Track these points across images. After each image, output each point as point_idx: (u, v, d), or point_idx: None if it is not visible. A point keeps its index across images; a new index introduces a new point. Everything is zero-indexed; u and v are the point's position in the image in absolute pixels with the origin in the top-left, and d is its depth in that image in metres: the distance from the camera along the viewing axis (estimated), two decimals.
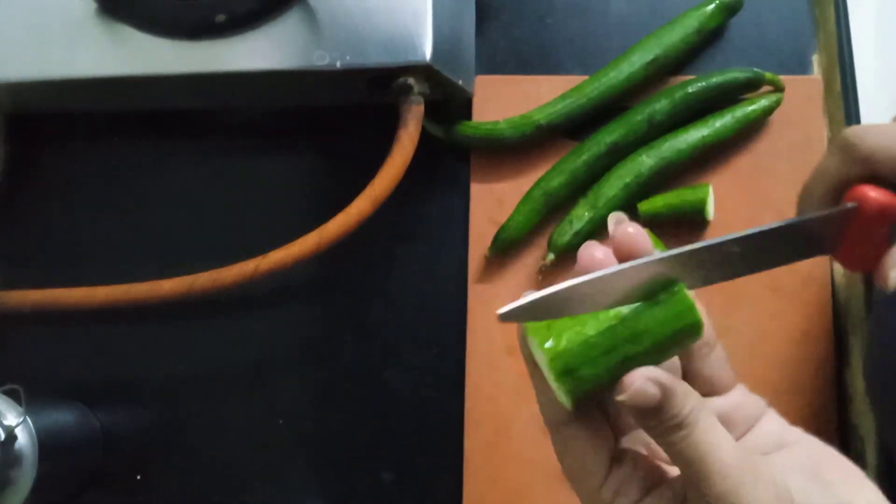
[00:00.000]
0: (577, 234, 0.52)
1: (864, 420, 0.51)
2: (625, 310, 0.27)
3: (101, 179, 0.58)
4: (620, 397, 0.26)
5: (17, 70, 0.50)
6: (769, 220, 0.52)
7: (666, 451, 0.27)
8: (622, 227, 0.28)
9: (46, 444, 0.47)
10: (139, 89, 0.52)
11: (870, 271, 0.31)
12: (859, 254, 0.31)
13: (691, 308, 0.28)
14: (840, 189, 0.31)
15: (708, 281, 0.29)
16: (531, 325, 0.28)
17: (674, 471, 0.30)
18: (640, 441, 0.31)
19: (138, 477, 0.54)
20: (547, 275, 0.53)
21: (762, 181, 0.54)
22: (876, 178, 0.30)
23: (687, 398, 0.27)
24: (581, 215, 0.52)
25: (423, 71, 0.48)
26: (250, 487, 0.54)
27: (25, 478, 0.46)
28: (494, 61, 0.58)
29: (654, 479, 0.29)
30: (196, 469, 0.54)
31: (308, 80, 0.49)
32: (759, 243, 0.29)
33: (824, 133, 0.55)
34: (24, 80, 0.50)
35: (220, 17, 0.48)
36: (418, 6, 0.48)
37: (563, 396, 0.28)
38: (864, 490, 0.29)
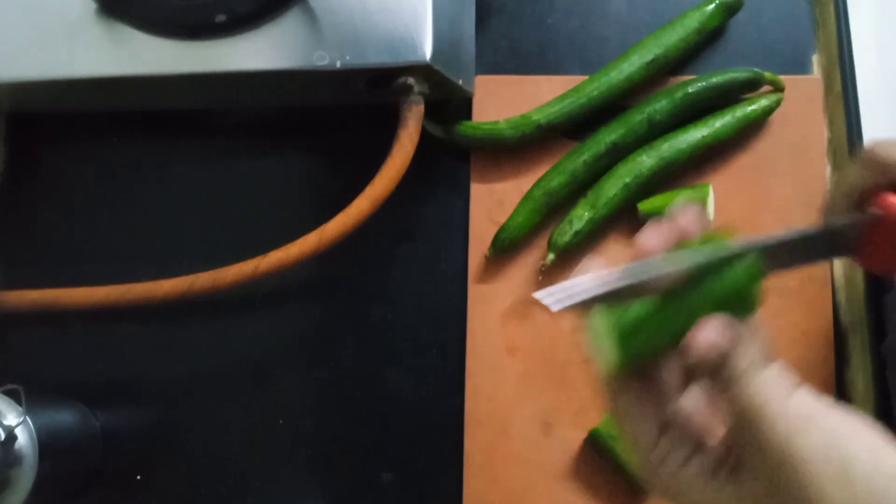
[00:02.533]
0: (577, 234, 0.52)
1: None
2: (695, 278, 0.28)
3: (101, 179, 0.58)
4: (691, 352, 0.28)
5: (17, 70, 0.50)
6: (769, 220, 0.52)
7: (725, 399, 0.29)
8: (681, 214, 0.30)
9: (46, 444, 0.47)
10: (139, 89, 0.52)
11: (891, 273, 0.33)
12: (882, 257, 0.33)
13: (758, 282, 0.29)
14: (862, 197, 0.33)
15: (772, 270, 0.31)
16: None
17: (719, 430, 0.31)
18: (684, 407, 0.33)
19: (138, 477, 0.54)
20: (547, 275, 0.53)
21: (762, 181, 0.54)
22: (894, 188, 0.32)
23: (746, 349, 0.28)
24: (581, 215, 0.52)
25: (423, 71, 0.48)
26: (250, 487, 0.53)
27: (25, 478, 0.46)
28: (494, 61, 0.58)
29: (696, 445, 0.31)
30: (196, 469, 0.54)
31: (308, 80, 0.49)
32: (789, 246, 0.31)
33: (824, 133, 0.55)
34: (24, 80, 0.50)
35: (220, 17, 0.48)
36: (418, 6, 0.48)
37: (617, 357, 0.29)
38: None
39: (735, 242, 0.29)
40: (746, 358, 0.28)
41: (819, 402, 0.29)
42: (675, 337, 0.28)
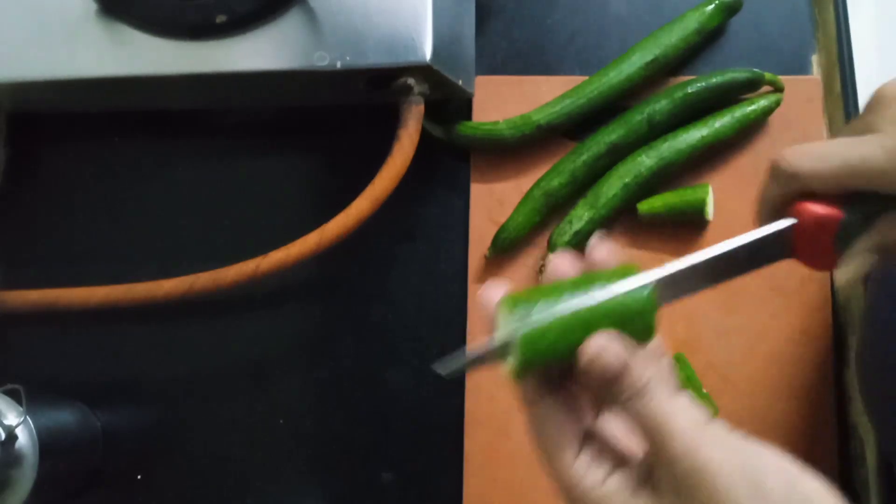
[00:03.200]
0: (576, 233, 0.52)
1: (864, 420, 0.51)
2: (595, 299, 0.30)
3: (101, 179, 0.58)
4: (584, 359, 0.29)
5: (17, 70, 0.50)
6: None
7: (630, 415, 0.29)
8: (597, 250, 0.31)
9: (47, 443, 0.47)
10: (139, 89, 0.52)
11: (829, 269, 0.35)
12: (815, 258, 0.34)
13: (652, 311, 0.30)
14: (784, 204, 0.34)
15: (675, 298, 0.32)
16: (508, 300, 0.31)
17: (638, 452, 0.31)
18: (604, 426, 0.33)
19: (139, 477, 0.54)
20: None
21: (762, 181, 0.54)
22: (815, 194, 0.33)
23: (646, 366, 0.29)
24: (581, 215, 0.52)
25: (423, 71, 0.48)
26: (250, 487, 0.54)
27: (26, 477, 0.46)
28: (494, 61, 0.58)
29: (621, 458, 0.31)
30: (196, 469, 0.54)
31: (308, 80, 0.49)
32: (718, 263, 0.33)
33: (824, 133, 0.55)
34: (24, 80, 0.50)
35: (220, 18, 0.48)
36: (418, 6, 0.48)
37: (517, 362, 0.30)
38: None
39: (638, 275, 0.30)
40: (645, 374, 0.28)
41: (726, 428, 0.29)
42: (573, 348, 0.29)
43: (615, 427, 0.32)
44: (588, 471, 0.30)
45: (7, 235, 0.57)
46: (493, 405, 0.53)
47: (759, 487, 0.26)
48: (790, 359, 0.52)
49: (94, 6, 0.49)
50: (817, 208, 0.33)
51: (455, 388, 0.53)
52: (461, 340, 0.54)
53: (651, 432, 0.28)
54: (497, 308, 0.32)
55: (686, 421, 0.28)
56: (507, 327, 0.30)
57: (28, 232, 0.57)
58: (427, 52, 0.47)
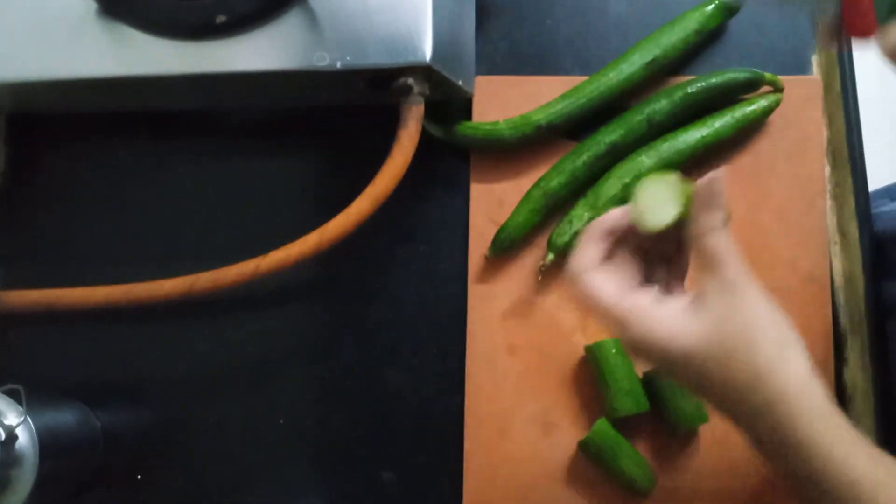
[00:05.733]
0: (576, 233, 0.52)
1: (864, 420, 0.51)
2: None
3: (101, 179, 0.58)
4: (705, 180, 0.37)
5: (18, 70, 0.50)
6: (769, 220, 0.53)
7: (702, 246, 0.37)
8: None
9: (47, 443, 0.47)
10: (140, 89, 0.52)
11: (867, 36, 0.39)
12: (857, 20, 0.38)
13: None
14: None
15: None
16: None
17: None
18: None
19: (139, 477, 0.54)
20: (546, 275, 0.53)
21: (762, 181, 0.54)
22: None
23: (724, 209, 0.37)
24: (581, 215, 0.52)
25: (423, 71, 0.48)
26: (250, 487, 0.54)
27: (26, 478, 0.46)
28: (494, 61, 0.58)
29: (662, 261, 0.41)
30: (196, 469, 0.54)
31: (308, 80, 0.49)
32: None
33: (823, 133, 0.55)
34: (24, 80, 0.50)
35: (221, 18, 0.48)
36: (418, 6, 0.48)
37: (681, 201, 0.38)
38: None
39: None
40: (725, 214, 0.37)
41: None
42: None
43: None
44: (645, 294, 0.38)
45: (7, 235, 0.57)
46: (493, 405, 0.53)
47: (778, 323, 0.37)
48: None
49: (94, 6, 0.49)
50: None
51: (455, 387, 0.53)
52: (461, 340, 0.54)
53: (716, 260, 0.36)
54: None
55: (739, 262, 0.36)
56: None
57: (28, 232, 0.57)
58: (427, 52, 0.47)
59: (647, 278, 0.41)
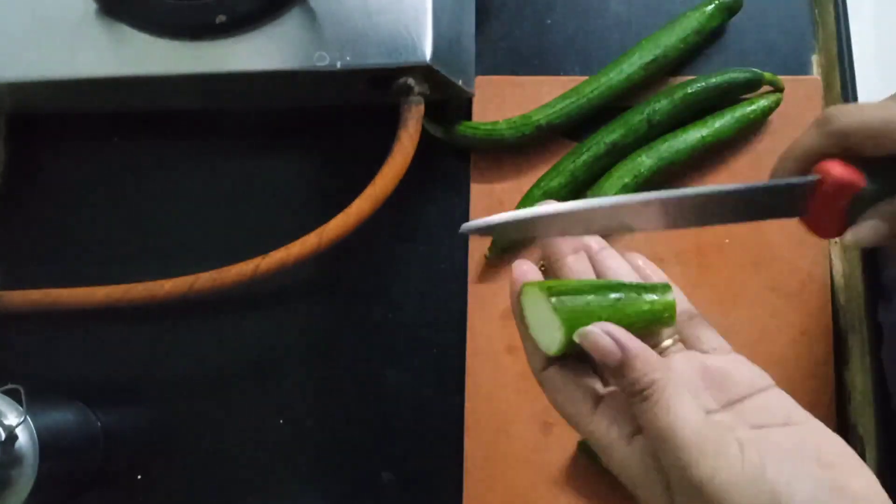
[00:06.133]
0: None
1: (864, 419, 0.51)
2: (619, 295, 0.32)
3: (101, 179, 0.58)
4: (576, 338, 0.30)
5: (18, 70, 0.50)
6: (769, 220, 0.52)
7: (637, 417, 0.29)
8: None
9: (47, 443, 0.47)
10: (139, 89, 0.52)
11: (829, 237, 0.34)
12: (823, 222, 0.34)
13: (671, 307, 0.32)
14: (811, 160, 0.34)
15: (671, 226, 0.32)
16: (530, 289, 0.32)
17: None
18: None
19: (139, 477, 0.54)
20: (546, 275, 0.53)
21: (762, 181, 0.54)
22: (848, 155, 0.33)
23: (652, 368, 0.29)
24: None
25: (423, 71, 0.48)
26: (250, 487, 0.54)
27: (26, 478, 0.46)
28: (494, 61, 0.58)
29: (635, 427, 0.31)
30: (197, 469, 0.54)
31: (308, 80, 0.49)
32: (726, 200, 0.32)
33: None
34: (24, 80, 0.50)
35: (221, 18, 0.48)
36: (418, 6, 0.48)
37: (556, 341, 0.31)
38: (862, 476, 0.29)
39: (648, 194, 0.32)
40: (650, 375, 0.28)
41: (729, 430, 0.29)
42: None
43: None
44: (611, 424, 0.31)
45: (7, 235, 0.57)
46: (493, 405, 0.53)
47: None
48: (790, 359, 0.52)
49: (94, 6, 0.49)
50: (843, 170, 0.32)
51: (455, 387, 0.53)
52: (461, 340, 0.54)
53: (654, 437, 0.28)
54: (522, 288, 0.33)
55: (690, 432, 0.28)
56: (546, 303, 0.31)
57: (28, 232, 0.57)
58: (427, 52, 0.47)
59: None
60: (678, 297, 0.34)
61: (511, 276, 0.34)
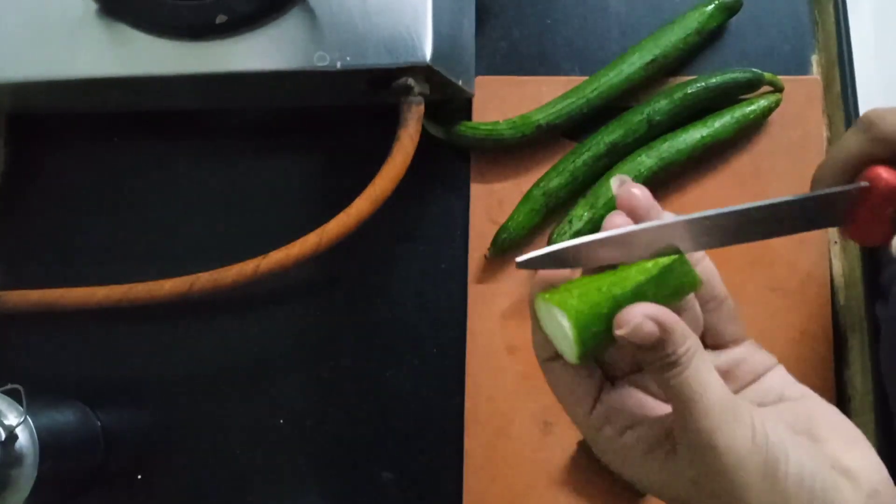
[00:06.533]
0: (576, 234, 0.52)
1: (864, 419, 0.51)
2: (631, 275, 0.30)
3: (101, 179, 0.58)
4: (619, 332, 0.28)
5: (17, 70, 0.50)
6: None
7: (659, 385, 0.29)
8: (625, 187, 0.31)
9: (47, 443, 0.47)
10: (139, 89, 0.52)
11: (877, 245, 0.33)
12: (868, 230, 0.32)
13: (691, 272, 0.30)
14: (856, 167, 0.33)
15: (721, 244, 0.31)
16: (544, 302, 0.31)
17: (660, 409, 0.32)
18: (633, 384, 0.33)
19: (139, 477, 0.54)
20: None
21: (762, 181, 0.54)
22: (893, 160, 0.32)
23: (685, 338, 0.28)
24: (580, 215, 0.52)
25: (423, 71, 0.48)
26: (250, 487, 0.54)
27: (26, 478, 0.46)
28: (494, 61, 0.58)
29: (641, 413, 0.32)
30: (196, 469, 0.54)
31: (308, 80, 0.49)
32: (772, 213, 0.31)
33: (823, 133, 0.55)
34: (24, 80, 0.50)
35: (221, 18, 0.48)
36: (418, 6, 0.48)
37: (575, 349, 0.29)
38: (856, 450, 0.30)
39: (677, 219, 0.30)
40: (683, 345, 0.28)
41: (753, 409, 0.29)
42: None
43: (629, 394, 0.32)
44: (608, 420, 0.31)
45: (7, 235, 0.57)
46: (493, 405, 0.53)
47: (775, 481, 0.27)
48: (790, 359, 0.51)
49: (94, 6, 0.49)
50: (893, 177, 0.31)
51: (455, 387, 0.53)
52: (461, 340, 0.54)
53: (680, 404, 0.28)
54: (535, 298, 0.32)
55: (716, 399, 0.28)
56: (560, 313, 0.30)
57: (28, 232, 0.57)
58: (427, 52, 0.47)
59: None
60: (713, 278, 0.32)
61: (532, 280, 0.33)
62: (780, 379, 0.33)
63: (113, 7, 0.49)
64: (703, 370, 0.28)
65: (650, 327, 0.28)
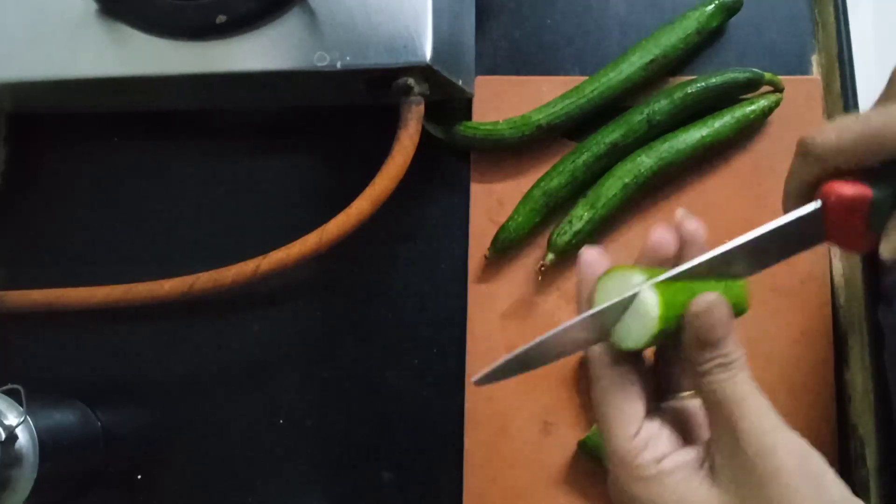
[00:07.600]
0: (576, 234, 0.52)
1: (864, 419, 0.51)
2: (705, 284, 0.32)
3: (101, 179, 0.58)
4: (696, 308, 0.29)
5: (18, 70, 0.50)
6: (768, 221, 0.52)
7: (706, 390, 0.30)
8: (687, 221, 0.33)
9: (47, 443, 0.47)
10: (139, 89, 0.52)
11: (865, 253, 0.34)
12: (848, 241, 0.33)
13: (746, 296, 0.33)
14: (811, 189, 0.33)
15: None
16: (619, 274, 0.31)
17: (702, 435, 0.32)
18: (675, 408, 0.34)
19: (139, 477, 0.54)
20: (546, 275, 0.53)
21: (762, 181, 0.54)
22: (843, 172, 0.32)
23: (738, 346, 0.30)
24: (580, 215, 0.52)
25: (422, 71, 0.48)
26: (250, 487, 0.54)
27: (26, 478, 0.46)
28: (494, 61, 0.58)
29: (682, 438, 0.32)
30: (196, 469, 0.54)
31: (308, 80, 0.50)
32: (747, 250, 0.32)
33: None
34: (24, 80, 0.50)
35: (221, 18, 0.48)
36: (418, 6, 0.48)
37: (657, 324, 0.30)
38: None
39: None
40: (737, 351, 0.29)
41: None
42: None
43: (679, 411, 0.33)
44: (648, 445, 0.31)
45: (7, 235, 0.57)
46: (493, 405, 0.53)
47: (821, 489, 0.28)
48: (790, 359, 0.52)
49: (94, 6, 0.49)
50: (844, 188, 0.31)
51: (455, 388, 0.53)
52: (461, 340, 0.54)
53: (725, 408, 0.29)
54: (599, 279, 0.32)
55: (760, 407, 0.29)
56: (620, 291, 0.30)
57: (28, 232, 0.57)
58: (427, 52, 0.47)
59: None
60: None
61: (581, 261, 0.33)
62: None
63: (113, 7, 0.49)
64: (750, 379, 0.30)
65: (724, 310, 0.29)
